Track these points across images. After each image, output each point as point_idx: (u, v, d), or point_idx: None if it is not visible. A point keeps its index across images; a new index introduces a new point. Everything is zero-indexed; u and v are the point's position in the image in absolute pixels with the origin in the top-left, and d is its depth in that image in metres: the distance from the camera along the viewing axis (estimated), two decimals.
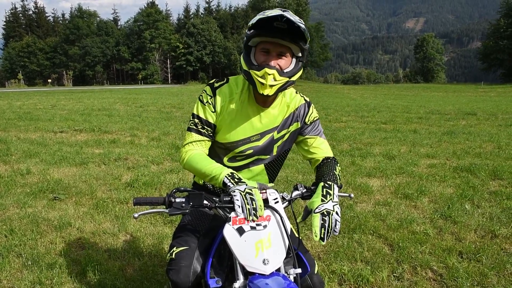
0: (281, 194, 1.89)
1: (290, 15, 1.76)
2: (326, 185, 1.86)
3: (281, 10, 1.79)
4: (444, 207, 4.92)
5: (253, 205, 1.69)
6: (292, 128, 2.14)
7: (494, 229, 4.25)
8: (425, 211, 4.87)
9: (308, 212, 1.82)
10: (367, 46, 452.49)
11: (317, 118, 2.20)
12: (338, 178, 1.97)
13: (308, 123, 2.16)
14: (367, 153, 8.09)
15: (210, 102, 2.05)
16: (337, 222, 1.75)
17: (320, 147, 2.15)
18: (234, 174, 1.84)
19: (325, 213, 1.74)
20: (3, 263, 3.48)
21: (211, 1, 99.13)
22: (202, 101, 2.07)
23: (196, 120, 2.06)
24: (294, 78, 1.94)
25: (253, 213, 1.68)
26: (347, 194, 2.04)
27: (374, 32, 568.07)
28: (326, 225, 1.72)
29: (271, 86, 1.85)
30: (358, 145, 9.12)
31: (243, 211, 1.69)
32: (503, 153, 8.16)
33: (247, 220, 1.69)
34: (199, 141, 2.06)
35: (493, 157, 7.80)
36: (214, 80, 2.13)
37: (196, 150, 2.04)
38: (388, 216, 4.63)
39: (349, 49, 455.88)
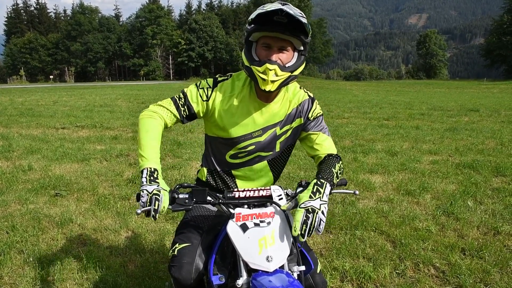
0: (285, 191, 1.87)
1: (289, 8, 1.72)
2: (319, 182, 1.79)
3: (281, 3, 1.75)
4: (447, 204, 4.90)
5: (155, 206, 1.65)
6: (295, 124, 2.10)
7: (497, 226, 4.23)
8: (428, 208, 4.85)
9: (296, 205, 1.77)
10: (369, 42, 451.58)
11: (320, 114, 2.14)
12: (335, 175, 1.90)
13: (311, 118, 2.09)
14: (369, 149, 8.07)
15: (206, 91, 2.03)
16: (321, 221, 1.69)
17: (323, 144, 2.08)
18: (154, 172, 1.77)
19: (310, 210, 1.68)
20: (5, 260, 3.48)
21: None
22: (197, 86, 2.05)
23: (182, 96, 2.04)
24: (296, 73, 1.90)
25: (153, 214, 1.65)
26: (352, 191, 1.97)
27: (376, 28, 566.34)
28: (309, 222, 1.66)
29: (273, 81, 1.82)
30: (360, 141, 9.09)
31: (143, 207, 1.66)
32: (506, 149, 8.14)
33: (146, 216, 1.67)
34: (170, 112, 2.01)
35: (496, 153, 7.77)
36: (218, 75, 2.11)
37: (158, 119, 1.97)
38: (390, 213, 4.62)
39: (351, 45, 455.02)
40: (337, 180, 1.93)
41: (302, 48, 1.89)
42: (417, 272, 3.41)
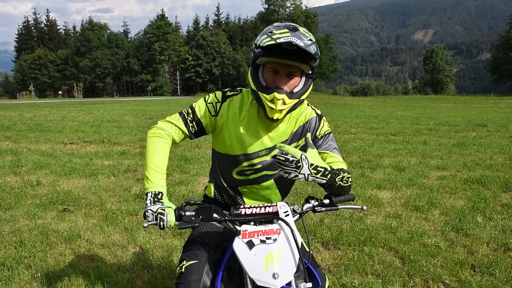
0: (292, 207, 1.87)
1: (298, 38, 1.71)
2: (328, 168, 1.80)
3: (289, 29, 1.74)
4: (456, 220, 4.86)
5: (160, 225, 1.70)
6: (302, 142, 2.07)
7: (507, 242, 4.18)
8: (436, 224, 4.81)
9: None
10: (376, 57, 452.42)
11: (328, 132, 2.10)
12: (340, 176, 1.87)
13: (319, 137, 2.07)
14: (376, 165, 8.04)
15: (214, 106, 2.02)
16: (295, 175, 1.70)
17: (332, 163, 2.03)
18: (158, 194, 1.81)
19: (300, 160, 1.69)
20: (13, 275, 3.48)
21: (221, 14, 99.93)
22: (205, 101, 2.05)
23: (190, 111, 2.04)
24: (303, 97, 1.90)
25: (161, 227, 1.71)
26: (359, 207, 1.96)
27: (383, 44, 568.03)
28: (289, 161, 1.67)
29: (281, 110, 1.83)
30: (368, 156, 9.07)
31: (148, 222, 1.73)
32: None
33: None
34: (179, 128, 2.02)
35: (505, 169, 7.71)
36: (228, 89, 2.11)
37: (166, 137, 1.99)
38: (398, 229, 4.58)
39: (358, 60, 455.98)
40: (341, 183, 1.88)
41: (310, 72, 1.88)
42: None
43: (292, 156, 1.69)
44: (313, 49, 1.74)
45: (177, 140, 2.05)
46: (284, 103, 1.82)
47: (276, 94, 1.79)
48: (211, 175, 2.28)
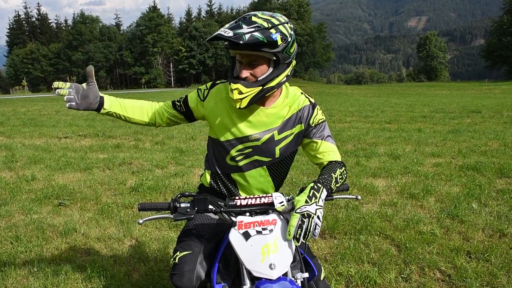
0: (287, 198, 1.87)
1: (237, 27, 1.71)
2: (316, 187, 1.78)
3: (237, 20, 1.75)
4: (451, 207, 4.88)
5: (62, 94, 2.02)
6: (296, 130, 2.07)
7: (502, 228, 4.21)
8: (432, 211, 4.83)
9: (292, 208, 1.76)
10: (369, 46, 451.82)
11: (322, 120, 2.10)
12: (333, 180, 1.87)
13: (313, 125, 2.06)
14: (371, 153, 8.06)
15: (203, 92, 2.14)
16: (316, 226, 1.68)
17: (326, 152, 2.05)
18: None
19: (305, 215, 1.67)
20: (9, 270, 3.47)
21: (213, 4, 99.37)
22: (197, 89, 2.17)
23: (182, 97, 2.20)
24: (272, 84, 1.87)
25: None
26: (354, 196, 1.96)
27: (376, 32, 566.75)
28: (304, 226, 1.66)
29: (240, 99, 1.84)
30: (363, 145, 9.08)
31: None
32: (509, 150, 8.11)
33: None
34: (166, 105, 2.24)
35: (499, 155, 7.74)
36: (219, 80, 2.20)
37: (151, 104, 2.27)
38: (394, 217, 4.60)
39: (351, 49, 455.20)
40: (337, 185, 1.91)
41: (274, 58, 1.82)
42: (422, 276, 3.39)
43: (297, 224, 1.67)
44: (254, 36, 1.70)
45: (164, 116, 2.22)
46: (240, 93, 1.83)
47: (232, 84, 1.84)
48: (206, 162, 2.30)
